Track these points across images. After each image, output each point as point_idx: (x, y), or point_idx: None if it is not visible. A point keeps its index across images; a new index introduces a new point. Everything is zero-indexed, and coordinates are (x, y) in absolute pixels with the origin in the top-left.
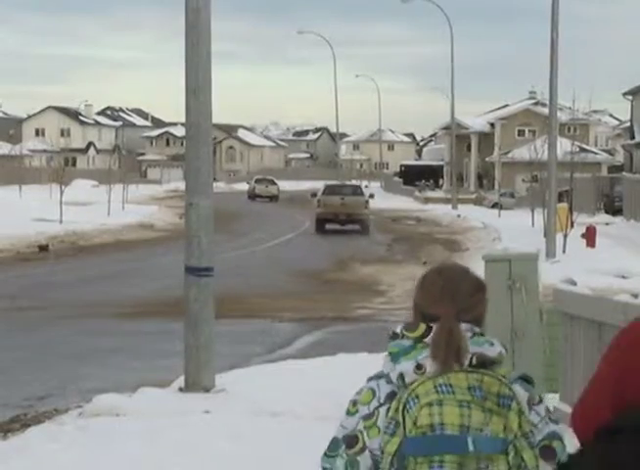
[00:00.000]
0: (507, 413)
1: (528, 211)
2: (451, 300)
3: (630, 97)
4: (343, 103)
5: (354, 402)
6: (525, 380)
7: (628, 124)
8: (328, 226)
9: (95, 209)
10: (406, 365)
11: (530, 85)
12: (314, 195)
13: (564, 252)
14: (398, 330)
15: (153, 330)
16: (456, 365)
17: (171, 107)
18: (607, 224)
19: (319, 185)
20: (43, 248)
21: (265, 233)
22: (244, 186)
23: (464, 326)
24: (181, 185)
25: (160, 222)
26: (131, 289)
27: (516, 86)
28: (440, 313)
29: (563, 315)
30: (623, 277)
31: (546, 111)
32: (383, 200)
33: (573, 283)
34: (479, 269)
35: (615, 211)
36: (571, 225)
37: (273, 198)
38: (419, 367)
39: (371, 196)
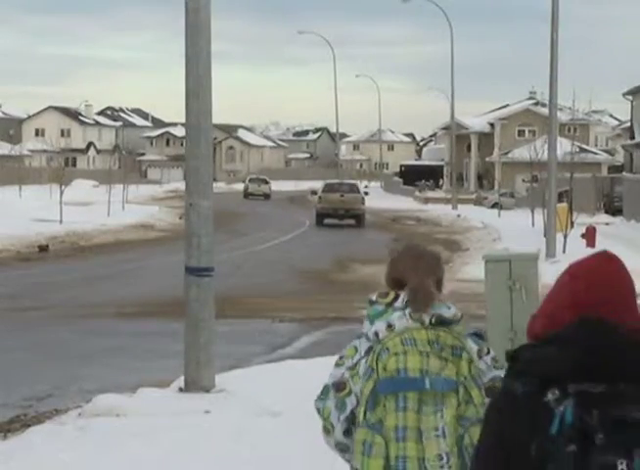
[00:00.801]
0: (459, 361)
1: (528, 212)
2: (421, 268)
3: (630, 97)
4: (343, 103)
5: (341, 357)
6: (478, 336)
7: (628, 124)
8: (327, 220)
9: (95, 209)
10: (379, 325)
11: (530, 85)
12: (314, 193)
13: (564, 252)
14: (374, 298)
15: (153, 330)
16: (425, 314)
17: (171, 107)
18: (607, 224)
19: (319, 185)
20: (43, 248)
21: (266, 233)
22: (242, 186)
23: None
24: (181, 185)
25: (160, 223)
26: (131, 289)
27: (516, 86)
28: (414, 277)
29: None
30: None
31: (546, 111)
32: (383, 200)
33: None
34: (479, 269)
35: (615, 211)
36: (571, 225)
37: (266, 196)
38: (389, 326)
39: (366, 194)
